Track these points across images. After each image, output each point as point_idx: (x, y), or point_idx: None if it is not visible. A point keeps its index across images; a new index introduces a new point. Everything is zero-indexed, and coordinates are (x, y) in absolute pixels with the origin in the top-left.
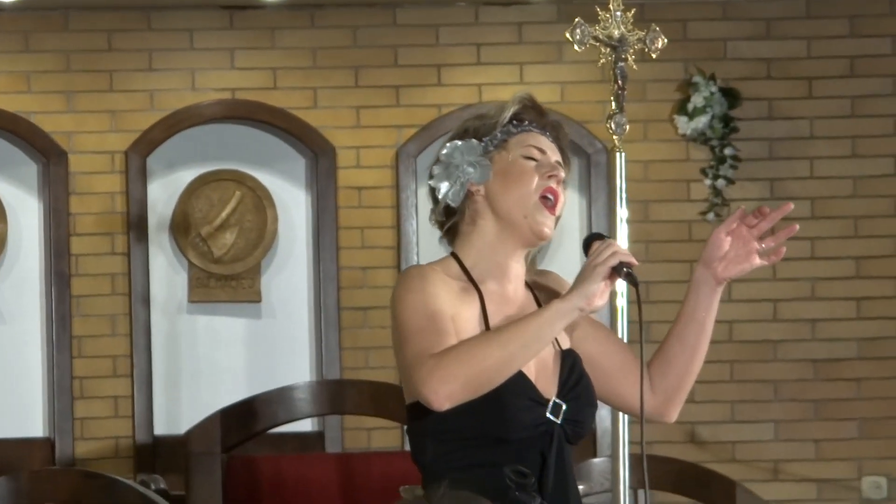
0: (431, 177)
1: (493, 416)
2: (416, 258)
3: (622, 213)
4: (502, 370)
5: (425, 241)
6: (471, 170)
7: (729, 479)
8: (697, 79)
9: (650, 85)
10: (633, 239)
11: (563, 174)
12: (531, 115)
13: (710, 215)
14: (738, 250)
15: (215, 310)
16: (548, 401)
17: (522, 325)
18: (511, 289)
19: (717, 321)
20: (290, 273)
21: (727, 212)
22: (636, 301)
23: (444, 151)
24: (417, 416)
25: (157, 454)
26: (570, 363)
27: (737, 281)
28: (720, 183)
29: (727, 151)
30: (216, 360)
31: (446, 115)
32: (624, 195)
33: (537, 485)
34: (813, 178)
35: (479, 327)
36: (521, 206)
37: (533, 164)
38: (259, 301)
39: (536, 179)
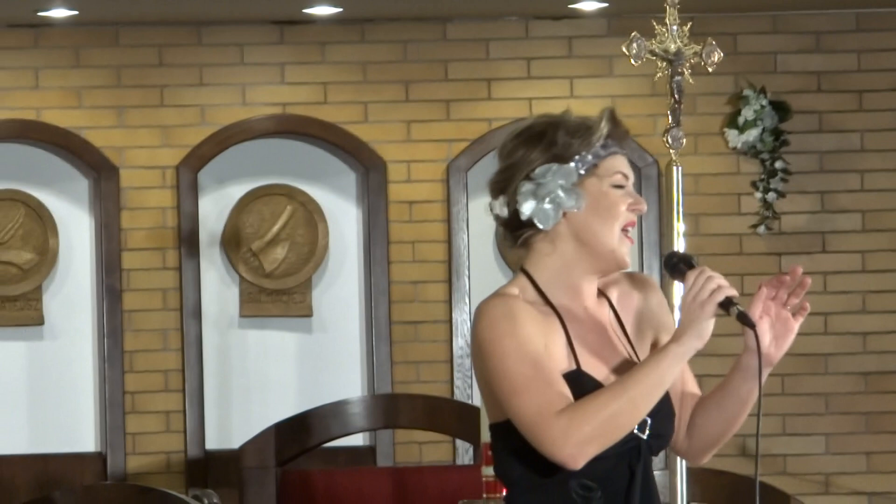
0: (517, 192)
1: None
2: (466, 272)
3: (680, 226)
4: (630, 423)
5: (476, 256)
6: (563, 195)
7: (783, 492)
8: (748, 92)
9: (701, 98)
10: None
11: (643, 205)
12: (614, 131)
13: (761, 228)
14: (776, 324)
15: (266, 324)
16: None
17: (643, 374)
18: (585, 306)
19: None
20: (341, 287)
21: (778, 225)
22: (756, 348)
23: (538, 171)
24: (504, 435)
25: (209, 469)
26: None
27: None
28: (771, 196)
29: (778, 164)
30: (267, 375)
31: (497, 129)
32: (681, 209)
33: (623, 499)
34: (864, 191)
35: (567, 354)
36: (609, 240)
37: (621, 192)
38: (310, 315)
39: (623, 211)
